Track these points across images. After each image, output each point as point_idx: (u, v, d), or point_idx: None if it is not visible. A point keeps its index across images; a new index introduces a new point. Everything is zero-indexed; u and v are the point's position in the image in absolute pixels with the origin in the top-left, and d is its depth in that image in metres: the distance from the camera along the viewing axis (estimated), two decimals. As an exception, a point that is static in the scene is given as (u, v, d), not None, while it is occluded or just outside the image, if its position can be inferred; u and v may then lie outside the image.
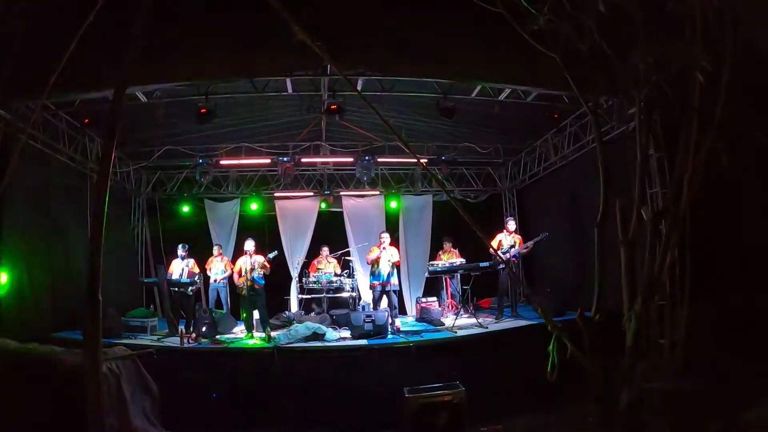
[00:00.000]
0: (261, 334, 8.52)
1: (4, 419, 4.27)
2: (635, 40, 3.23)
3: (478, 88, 7.58)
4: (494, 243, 9.23)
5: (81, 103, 7.69)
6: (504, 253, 9.15)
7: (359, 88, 7.47)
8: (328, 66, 6.65)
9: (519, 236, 9.76)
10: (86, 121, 7.99)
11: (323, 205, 12.49)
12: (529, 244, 9.46)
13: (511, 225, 9.67)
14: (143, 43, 2.98)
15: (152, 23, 3.03)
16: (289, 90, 7.72)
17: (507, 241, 9.49)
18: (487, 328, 8.28)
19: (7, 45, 4.30)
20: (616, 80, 3.69)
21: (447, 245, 10.81)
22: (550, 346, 3.65)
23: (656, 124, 5.86)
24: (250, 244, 8.99)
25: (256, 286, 8.65)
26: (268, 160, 11.20)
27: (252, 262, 8.71)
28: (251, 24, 6.09)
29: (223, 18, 6.26)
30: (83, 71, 5.23)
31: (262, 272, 8.73)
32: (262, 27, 5.95)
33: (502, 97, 7.70)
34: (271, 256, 8.90)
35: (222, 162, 11.10)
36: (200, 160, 10.70)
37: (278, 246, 11.38)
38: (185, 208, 12.45)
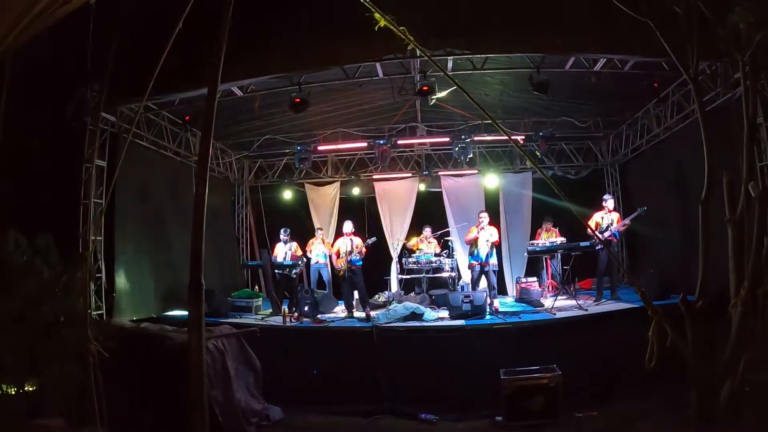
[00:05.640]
0: (360, 313, 8.75)
1: (120, 391, 4.73)
2: (733, -2, 2.94)
3: (572, 59, 7.21)
4: (591, 222, 8.80)
5: (180, 101, 8.17)
6: (601, 233, 8.71)
7: (449, 67, 7.38)
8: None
9: (617, 214, 9.25)
10: (187, 118, 8.52)
11: (422, 186, 12.50)
12: (626, 221, 8.95)
13: (610, 203, 9.12)
14: (228, 41, 3.11)
15: (238, 21, 3.15)
16: (380, 74, 7.78)
17: (605, 219, 9.01)
18: (586, 310, 7.96)
19: (107, 52, 4.68)
20: (716, 43, 3.38)
21: (547, 224, 10.55)
22: (650, 332, 3.49)
23: (764, 89, 5.32)
24: (348, 226, 9.21)
25: (354, 267, 8.86)
26: (364, 144, 11.38)
27: (351, 244, 8.93)
28: (334, 13, 6.15)
29: (307, 9, 6.37)
30: (178, 72, 5.59)
31: (359, 256, 8.93)
32: (344, 15, 6.02)
33: (597, 67, 7.25)
34: (369, 242, 9.10)
35: (320, 148, 11.43)
36: (298, 147, 11.08)
37: (378, 227, 11.70)
38: (286, 194, 12.91)
